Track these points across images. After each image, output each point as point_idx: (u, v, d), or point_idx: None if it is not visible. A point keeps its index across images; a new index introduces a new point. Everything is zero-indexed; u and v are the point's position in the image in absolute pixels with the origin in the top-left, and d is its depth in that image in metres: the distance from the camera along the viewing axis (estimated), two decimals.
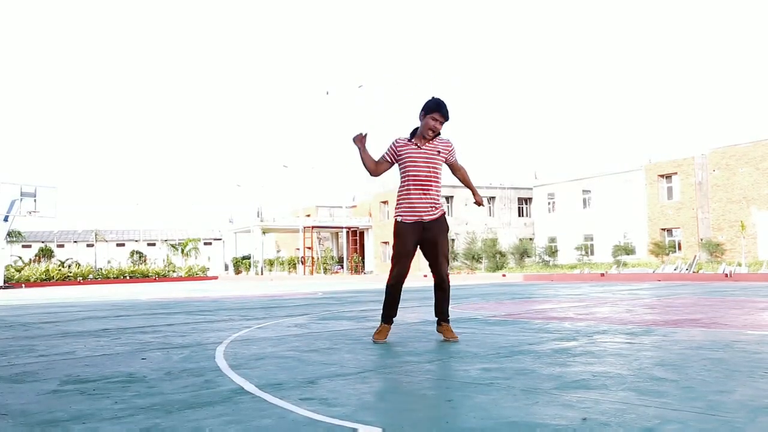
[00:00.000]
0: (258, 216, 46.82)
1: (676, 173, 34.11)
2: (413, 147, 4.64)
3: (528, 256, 36.32)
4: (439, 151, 4.64)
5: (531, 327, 5.76)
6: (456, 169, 4.90)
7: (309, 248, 47.54)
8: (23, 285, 33.26)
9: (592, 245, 38.16)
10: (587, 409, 2.46)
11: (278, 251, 57.08)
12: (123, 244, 71.19)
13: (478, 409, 2.53)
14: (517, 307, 8.66)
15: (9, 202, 30.14)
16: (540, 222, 43.03)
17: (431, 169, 4.63)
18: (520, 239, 40.72)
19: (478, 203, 4.78)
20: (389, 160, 4.73)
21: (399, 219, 4.68)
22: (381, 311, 4.81)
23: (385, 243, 45.37)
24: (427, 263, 4.75)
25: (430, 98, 4.63)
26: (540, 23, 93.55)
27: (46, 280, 35.97)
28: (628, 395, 2.70)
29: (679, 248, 33.39)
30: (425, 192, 4.62)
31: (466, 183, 4.96)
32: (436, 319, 4.82)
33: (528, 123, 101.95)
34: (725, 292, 11.36)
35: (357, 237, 49.85)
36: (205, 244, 68.45)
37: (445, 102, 4.62)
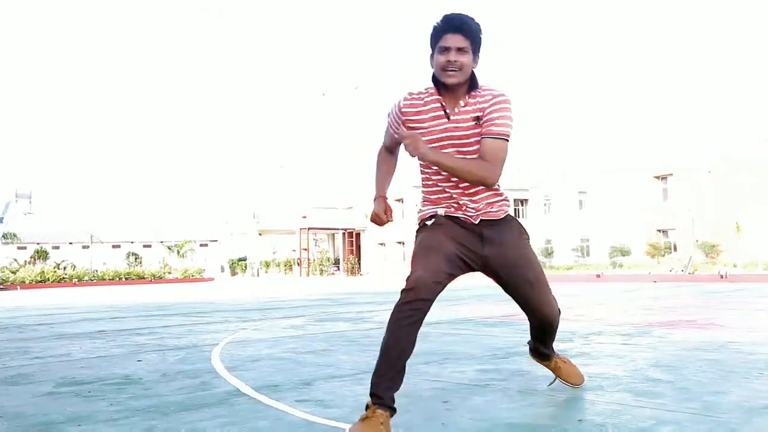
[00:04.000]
0: (254, 217, 46.78)
1: (672, 174, 34.18)
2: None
3: None
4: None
5: (527, 328, 5.76)
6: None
7: (305, 250, 47.46)
8: (18, 287, 33.11)
9: (588, 246, 38.18)
10: (583, 410, 2.47)
11: (274, 253, 56.94)
12: (119, 246, 70.92)
13: (475, 410, 2.53)
14: (514, 308, 8.66)
15: (4, 203, 30.02)
16: (536, 223, 43.03)
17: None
18: None
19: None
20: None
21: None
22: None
23: (382, 244, 45.33)
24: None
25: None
26: (536, 24, 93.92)
27: (41, 282, 35.80)
28: (623, 396, 2.70)
29: (675, 249, 33.44)
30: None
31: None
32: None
33: (524, 125, 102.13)
34: (721, 294, 11.38)
35: (353, 238, 49.78)
36: (201, 245, 68.28)
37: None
